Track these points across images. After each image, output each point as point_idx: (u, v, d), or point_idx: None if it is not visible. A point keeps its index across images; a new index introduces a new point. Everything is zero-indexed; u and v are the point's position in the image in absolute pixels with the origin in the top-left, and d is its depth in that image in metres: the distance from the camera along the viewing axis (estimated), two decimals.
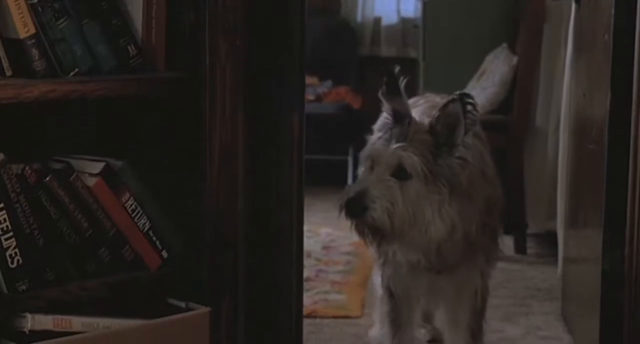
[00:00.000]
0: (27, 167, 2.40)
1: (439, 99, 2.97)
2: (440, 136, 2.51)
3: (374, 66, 6.57)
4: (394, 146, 2.52)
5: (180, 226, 2.66)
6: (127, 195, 2.54)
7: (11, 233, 2.32)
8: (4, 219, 2.31)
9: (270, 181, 2.85)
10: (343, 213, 2.52)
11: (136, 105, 2.67)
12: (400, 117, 2.57)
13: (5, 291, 2.34)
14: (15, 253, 2.34)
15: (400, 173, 2.50)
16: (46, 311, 2.39)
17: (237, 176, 2.68)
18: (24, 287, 2.36)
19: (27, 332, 2.36)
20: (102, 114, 2.71)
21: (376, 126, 2.72)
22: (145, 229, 2.57)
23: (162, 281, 2.62)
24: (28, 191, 2.38)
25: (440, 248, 2.60)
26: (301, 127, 2.89)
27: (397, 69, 2.66)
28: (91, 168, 2.50)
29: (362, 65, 6.65)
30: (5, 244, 2.32)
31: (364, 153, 2.59)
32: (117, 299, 2.54)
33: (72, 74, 2.45)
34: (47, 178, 2.43)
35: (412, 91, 6.22)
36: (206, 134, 2.62)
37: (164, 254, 2.60)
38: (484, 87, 5.15)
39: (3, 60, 2.36)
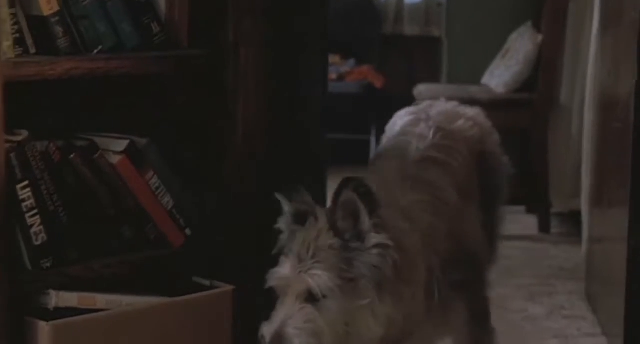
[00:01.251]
0: (51, 145, 2.40)
1: (450, 107, 2.71)
2: (345, 231, 2.16)
3: (397, 45, 6.54)
4: (296, 268, 2.16)
5: (204, 204, 2.66)
6: (151, 173, 2.54)
7: (36, 210, 2.33)
8: (29, 197, 2.32)
9: (292, 159, 2.85)
10: None
11: (160, 82, 2.67)
12: (303, 218, 2.21)
13: (30, 268, 2.35)
14: (40, 231, 2.34)
15: (313, 296, 2.15)
16: (70, 288, 2.39)
17: (260, 153, 2.68)
18: (48, 264, 2.36)
19: (52, 309, 2.36)
20: (126, 92, 2.70)
21: (280, 225, 2.28)
22: (169, 207, 2.57)
23: (186, 259, 2.62)
24: (52, 168, 2.39)
25: (385, 339, 2.25)
26: (323, 105, 2.88)
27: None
28: (115, 146, 2.50)
29: (385, 44, 6.62)
30: (29, 221, 2.32)
31: (269, 281, 2.20)
32: (141, 277, 2.54)
33: (95, 51, 2.45)
34: (72, 156, 2.43)
35: (434, 72, 6.24)
36: (229, 111, 2.61)
37: (187, 232, 2.60)
38: (508, 66, 5.12)
39: (27, 38, 2.36)
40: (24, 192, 2.31)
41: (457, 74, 5.85)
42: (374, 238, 2.14)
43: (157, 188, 2.55)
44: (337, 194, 2.16)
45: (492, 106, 4.22)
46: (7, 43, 2.28)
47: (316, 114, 2.95)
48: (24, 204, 2.31)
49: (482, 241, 2.54)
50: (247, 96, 2.62)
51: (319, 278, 2.13)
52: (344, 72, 6.41)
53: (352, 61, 6.53)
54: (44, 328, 2.30)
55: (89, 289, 2.42)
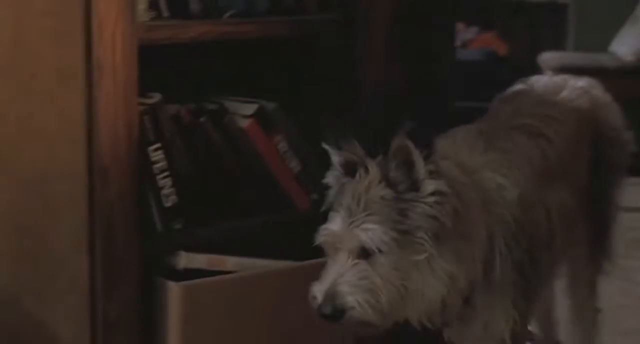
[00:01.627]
0: (182, 108, 2.43)
1: (558, 79, 2.53)
2: (398, 182, 2.00)
3: (522, 12, 6.44)
4: (347, 222, 2.00)
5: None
6: (279, 137, 2.55)
7: (167, 172, 2.36)
8: (161, 159, 2.35)
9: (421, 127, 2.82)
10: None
11: (289, 46, 2.67)
12: (352, 169, 2.05)
13: (160, 229, 2.38)
14: (171, 192, 2.37)
15: (367, 252, 2.00)
16: (199, 250, 2.42)
17: (388, 118, 2.66)
18: (178, 226, 2.39)
19: (181, 270, 2.40)
20: (255, 56, 2.71)
21: (328, 179, 2.13)
22: (296, 171, 2.58)
23: (312, 223, 2.62)
24: (183, 131, 2.41)
25: (445, 304, 2.07)
26: (452, 72, 2.85)
27: (330, 114, 2.23)
28: (244, 109, 2.51)
29: (509, 11, 6.52)
30: (160, 183, 2.36)
31: (320, 237, 2.06)
32: (267, 240, 2.56)
33: (227, 15, 2.46)
34: (202, 119, 2.45)
35: (559, 39, 6.11)
36: (358, 76, 2.60)
37: (314, 196, 2.60)
38: (638, 33, 4.99)
39: (160, 2, 2.38)
40: (156, 154, 2.34)
41: (583, 41, 5.73)
42: (430, 185, 1.98)
43: (285, 152, 2.56)
44: (389, 142, 1.99)
45: (620, 74, 4.13)
46: (142, 7, 2.30)
47: (445, 82, 2.92)
48: (155, 166, 2.34)
49: (571, 225, 2.32)
50: (376, 62, 2.61)
51: (372, 232, 1.98)
52: (467, 40, 6.35)
53: (475, 28, 6.45)
54: (173, 289, 2.33)
55: (217, 252, 2.45)
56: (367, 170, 2.02)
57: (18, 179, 2.32)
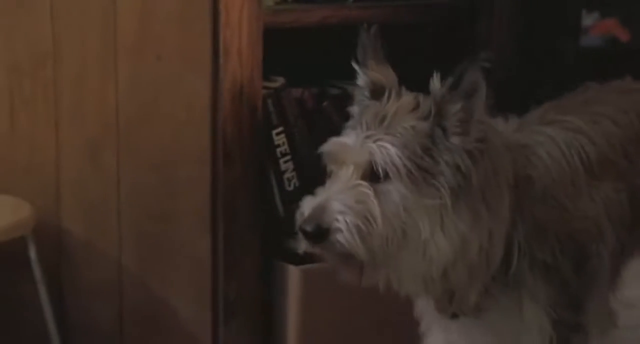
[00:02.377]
0: (305, 92, 2.43)
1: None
2: (448, 115, 1.69)
3: None
4: (362, 136, 1.70)
5: None
6: None
7: (289, 156, 2.37)
8: (283, 143, 2.36)
9: None
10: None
11: (411, 31, 2.65)
12: (380, 92, 1.78)
13: (282, 213, 2.39)
14: (293, 176, 2.38)
15: (375, 175, 1.68)
16: None
17: (506, 104, 2.63)
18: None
19: (302, 254, 2.40)
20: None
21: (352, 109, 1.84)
22: None
23: None
24: (305, 115, 2.41)
25: (448, 276, 1.76)
26: (575, 58, 2.80)
27: (373, 28, 1.91)
28: None
29: None
30: (283, 167, 2.36)
31: (325, 146, 1.77)
32: None
33: None
34: (324, 103, 2.45)
35: None
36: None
37: None
38: None
39: None
40: (279, 138, 2.35)
41: None
42: (480, 130, 1.69)
43: None
44: (460, 72, 1.71)
45: None
46: None
47: (568, 66, 2.87)
48: (278, 150, 2.36)
49: (631, 227, 2.00)
50: (499, 46, 2.57)
51: (387, 151, 1.66)
52: (587, 26, 6.22)
53: (595, 14, 6.33)
54: (294, 272, 2.34)
55: None
56: (399, 95, 1.76)
57: (143, 162, 2.36)
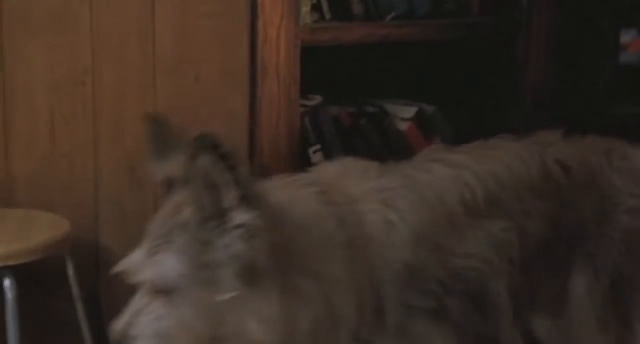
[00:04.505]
0: (342, 111, 2.44)
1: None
2: (206, 205, 1.57)
3: None
4: (144, 251, 1.62)
5: None
6: (437, 140, 2.54)
7: None
8: (320, 160, 2.36)
9: (579, 133, 2.77)
10: None
11: (448, 48, 2.66)
12: (172, 185, 1.67)
13: None
14: None
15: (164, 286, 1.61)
16: None
17: (545, 122, 2.62)
18: None
19: None
20: (414, 58, 2.71)
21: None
22: None
23: None
24: (342, 133, 2.42)
25: None
26: (614, 76, 2.79)
27: (159, 118, 1.74)
28: (404, 112, 2.51)
29: None
30: None
31: (117, 266, 1.67)
32: None
33: (388, 17, 2.46)
34: (362, 121, 2.45)
35: None
36: (518, 79, 2.57)
37: None
38: None
39: (323, 4, 2.40)
40: (316, 156, 2.36)
41: None
42: (238, 216, 1.57)
43: None
44: (191, 156, 1.55)
45: None
46: (305, 9, 2.33)
47: (606, 85, 2.86)
48: None
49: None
50: (536, 64, 2.57)
51: (165, 263, 1.60)
52: (624, 43, 6.20)
53: (633, 31, 6.30)
54: None
55: None
56: (174, 193, 1.64)
57: None
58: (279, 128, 2.28)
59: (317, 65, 2.32)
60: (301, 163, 2.33)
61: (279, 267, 1.59)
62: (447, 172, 1.81)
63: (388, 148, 2.48)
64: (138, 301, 1.62)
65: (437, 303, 1.74)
